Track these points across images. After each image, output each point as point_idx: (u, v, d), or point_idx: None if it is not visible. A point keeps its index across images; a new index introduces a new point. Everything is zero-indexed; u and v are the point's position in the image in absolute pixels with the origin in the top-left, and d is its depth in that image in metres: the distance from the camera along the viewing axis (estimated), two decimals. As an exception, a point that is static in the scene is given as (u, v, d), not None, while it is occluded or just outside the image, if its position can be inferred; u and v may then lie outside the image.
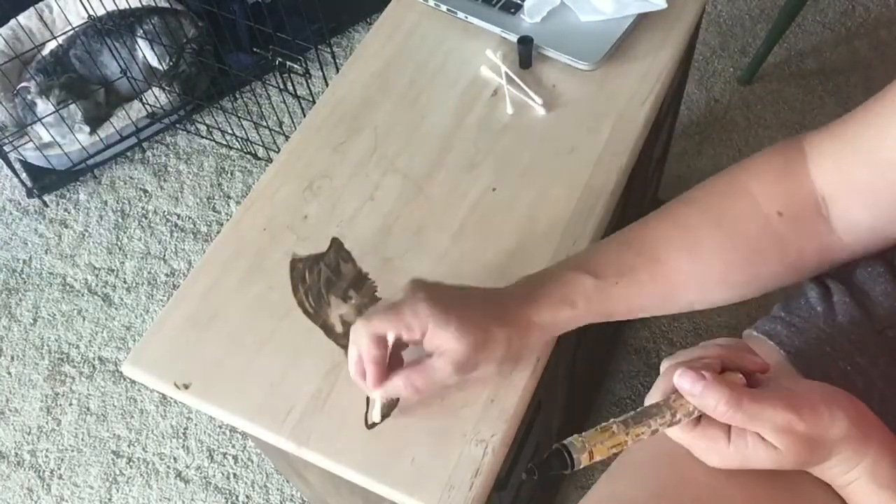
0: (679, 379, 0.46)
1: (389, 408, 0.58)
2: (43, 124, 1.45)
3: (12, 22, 1.61)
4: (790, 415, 0.44)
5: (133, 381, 1.36)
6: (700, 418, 0.47)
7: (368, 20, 1.77)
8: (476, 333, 0.53)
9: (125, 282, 1.47)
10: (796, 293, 0.64)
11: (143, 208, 1.56)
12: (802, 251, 0.56)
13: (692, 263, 0.57)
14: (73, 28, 1.57)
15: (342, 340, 0.63)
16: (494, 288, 0.58)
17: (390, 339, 0.54)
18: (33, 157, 1.51)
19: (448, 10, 0.82)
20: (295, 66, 1.45)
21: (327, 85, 0.83)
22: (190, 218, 1.54)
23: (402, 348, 0.56)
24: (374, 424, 0.58)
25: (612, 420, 0.48)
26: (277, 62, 1.50)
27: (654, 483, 0.52)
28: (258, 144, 1.57)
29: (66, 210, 1.57)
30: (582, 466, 0.46)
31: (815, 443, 0.45)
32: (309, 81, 1.50)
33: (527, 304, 0.56)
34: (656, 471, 0.53)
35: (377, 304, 0.63)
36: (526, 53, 0.76)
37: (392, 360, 0.56)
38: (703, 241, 0.56)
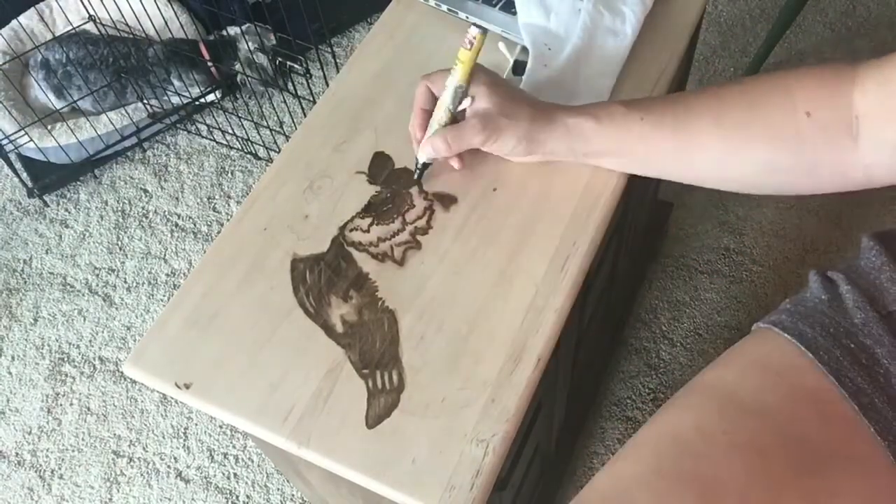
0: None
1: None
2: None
3: (13, 22, 1.61)
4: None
5: (133, 381, 1.36)
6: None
7: (368, 20, 1.78)
8: (506, 98, 0.65)
9: (126, 282, 1.47)
10: (802, 289, 0.67)
11: (143, 208, 1.56)
12: (819, 158, 0.58)
13: (715, 128, 0.61)
14: (74, 28, 1.57)
15: (343, 340, 0.63)
16: None
17: (438, 93, 0.67)
18: (33, 152, 1.51)
19: (448, 10, 0.82)
20: (295, 65, 1.45)
21: (328, 85, 0.83)
22: (190, 218, 1.54)
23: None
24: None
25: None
26: (278, 62, 1.51)
27: (655, 461, 0.53)
28: (259, 144, 1.57)
29: (66, 210, 1.58)
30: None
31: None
32: (309, 81, 1.50)
33: (560, 106, 0.66)
34: (658, 449, 0.54)
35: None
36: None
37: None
38: (731, 113, 0.61)
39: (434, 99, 0.68)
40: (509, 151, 0.66)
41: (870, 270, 0.63)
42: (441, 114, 0.67)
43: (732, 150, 0.61)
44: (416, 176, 0.70)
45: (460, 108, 0.66)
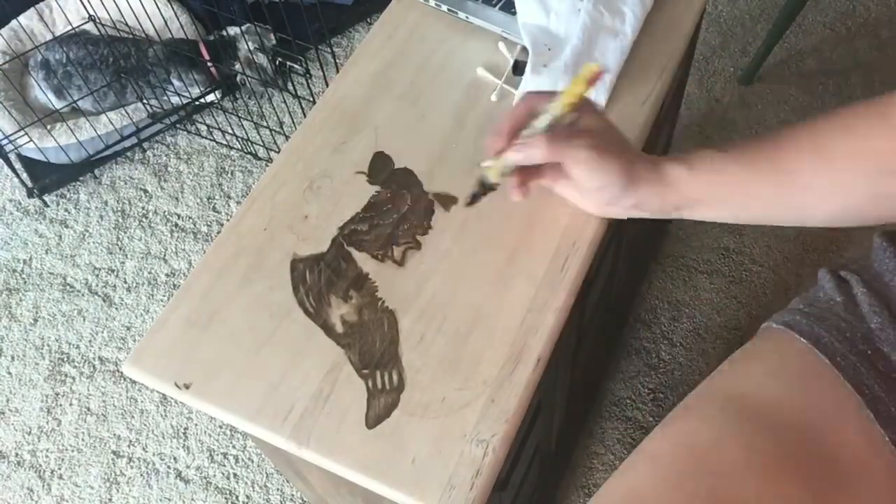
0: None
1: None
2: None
3: (13, 22, 1.61)
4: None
5: (133, 381, 1.36)
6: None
7: (368, 20, 1.78)
8: (615, 129, 0.62)
9: (125, 282, 1.47)
10: (813, 288, 0.65)
11: (143, 208, 1.56)
12: None
13: (815, 160, 0.56)
14: (74, 28, 1.57)
15: (343, 340, 0.63)
16: None
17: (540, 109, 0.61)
18: (33, 152, 1.51)
19: (448, 10, 0.82)
20: (295, 65, 1.45)
21: (327, 85, 0.83)
22: (190, 218, 1.54)
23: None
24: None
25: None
26: (278, 62, 1.51)
27: (673, 474, 0.52)
28: (258, 144, 1.57)
29: (66, 210, 1.57)
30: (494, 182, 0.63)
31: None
32: (309, 81, 1.50)
33: (654, 156, 0.63)
34: (675, 463, 0.53)
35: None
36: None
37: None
38: (829, 142, 0.56)
39: (530, 112, 0.61)
40: (601, 185, 0.60)
41: (883, 272, 0.61)
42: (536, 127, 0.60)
43: (840, 185, 0.55)
44: (468, 200, 0.65)
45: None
